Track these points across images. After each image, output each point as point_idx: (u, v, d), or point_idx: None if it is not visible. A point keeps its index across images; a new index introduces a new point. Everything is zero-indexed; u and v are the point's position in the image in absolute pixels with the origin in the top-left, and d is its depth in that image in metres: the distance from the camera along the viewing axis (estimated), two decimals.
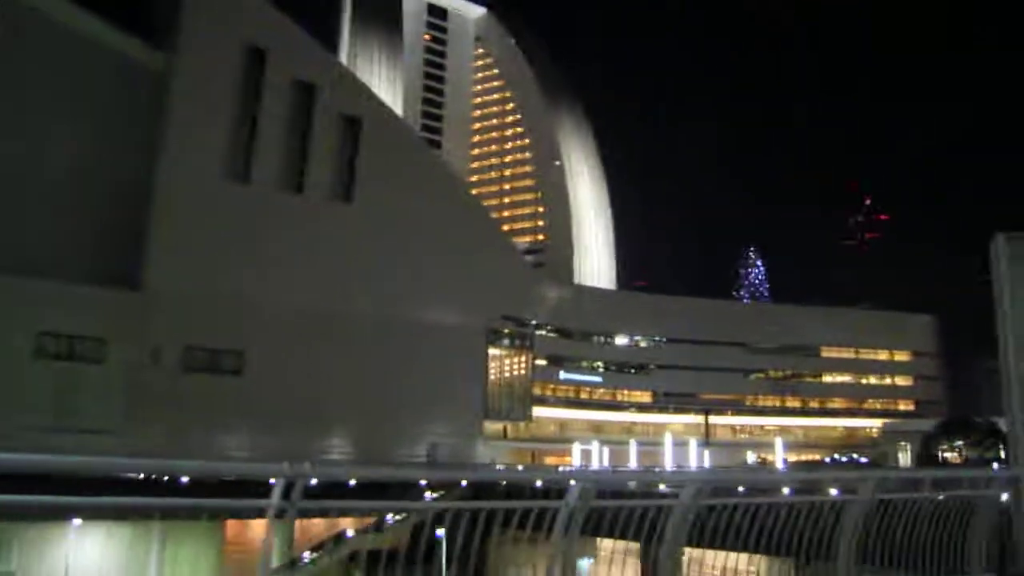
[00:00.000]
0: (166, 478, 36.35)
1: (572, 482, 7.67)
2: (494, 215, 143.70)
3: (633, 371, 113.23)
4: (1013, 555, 11.69)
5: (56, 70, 69.69)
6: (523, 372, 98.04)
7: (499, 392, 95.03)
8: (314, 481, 5.93)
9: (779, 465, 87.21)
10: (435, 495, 32.75)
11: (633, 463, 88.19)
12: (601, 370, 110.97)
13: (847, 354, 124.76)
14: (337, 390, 76.98)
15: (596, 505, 7.58)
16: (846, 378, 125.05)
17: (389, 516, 34.43)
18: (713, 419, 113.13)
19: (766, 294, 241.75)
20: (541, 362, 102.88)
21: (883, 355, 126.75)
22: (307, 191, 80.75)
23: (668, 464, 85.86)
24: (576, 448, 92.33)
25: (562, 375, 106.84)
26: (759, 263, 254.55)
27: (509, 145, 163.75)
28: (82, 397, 63.74)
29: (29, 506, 5.67)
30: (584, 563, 10.72)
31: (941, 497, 10.60)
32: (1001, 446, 76.76)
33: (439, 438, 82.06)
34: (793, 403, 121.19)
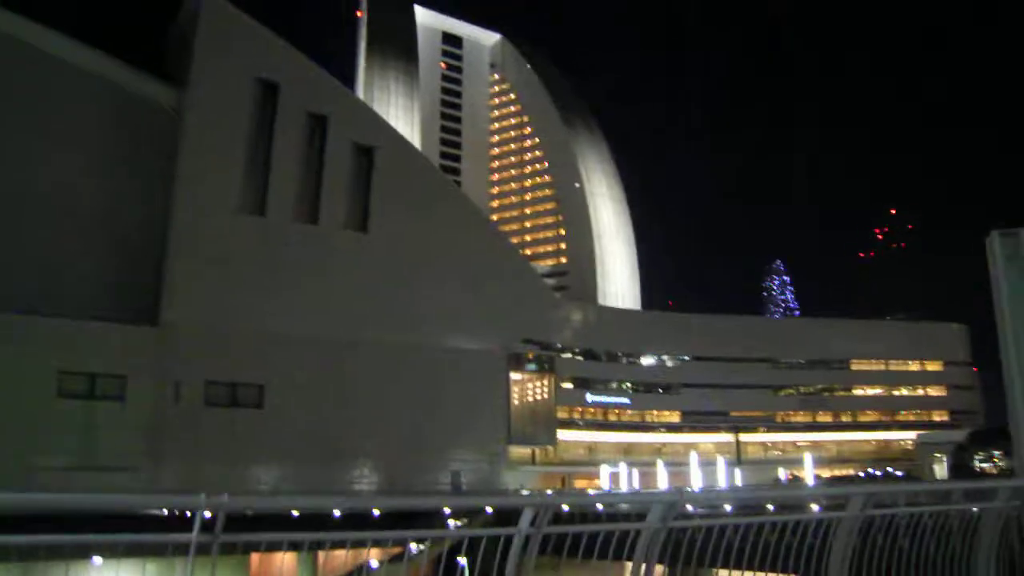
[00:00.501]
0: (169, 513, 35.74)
1: (525, 508, 7.28)
2: (515, 239, 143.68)
3: (661, 391, 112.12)
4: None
5: (70, 109, 70.43)
6: (547, 396, 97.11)
7: (523, 417, 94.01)
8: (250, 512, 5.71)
9: (810, 481, 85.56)
10: (459, 523, 32.66)
11: (663, 484, 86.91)
12: (629, 391, 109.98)
13: (878, 366, 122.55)
14: (359, 420, 76.65)
15: (551, 531, 7.20)
16: (877, 391, 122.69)
17: (412, 546, 33.94)
18: (744, 437, 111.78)
19: (795, 309, 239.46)
20: (568, 385, 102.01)
21: (914, 366, 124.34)
22: (322, 222, 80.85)
23: (696, 484, 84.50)
24: (604, 470, 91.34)
25: (589, 398, 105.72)
26: (786, 278, 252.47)
27: (528, 169, 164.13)
28: (103, 435, 63.70)
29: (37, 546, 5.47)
30: None
31: (928, 512, 9.90)
32: None
33: (463, 465, 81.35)
34: (824, 418, 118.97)
